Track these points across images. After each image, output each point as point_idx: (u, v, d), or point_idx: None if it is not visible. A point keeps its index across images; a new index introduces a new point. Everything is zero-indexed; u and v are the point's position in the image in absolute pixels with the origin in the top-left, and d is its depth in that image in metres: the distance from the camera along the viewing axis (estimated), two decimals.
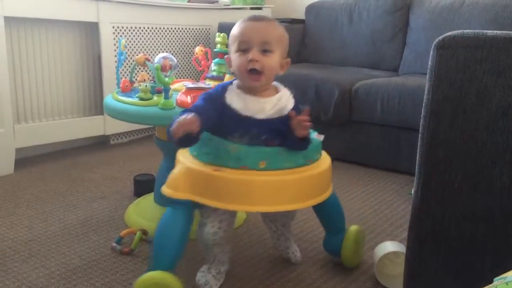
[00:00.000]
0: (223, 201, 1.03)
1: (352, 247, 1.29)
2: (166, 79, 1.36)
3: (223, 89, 1.10)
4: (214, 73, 1.74)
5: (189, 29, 2.83)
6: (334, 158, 2.24)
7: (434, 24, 2.53)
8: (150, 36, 2.63)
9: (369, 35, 2.74)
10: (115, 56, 2.42)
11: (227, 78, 1.69)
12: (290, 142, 1.06)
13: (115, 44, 2.42)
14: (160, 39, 2.69)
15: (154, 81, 1.56)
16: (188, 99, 1.38)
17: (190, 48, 2.84)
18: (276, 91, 1.12)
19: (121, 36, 2.45)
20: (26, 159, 2.19)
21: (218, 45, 1.78)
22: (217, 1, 3.01)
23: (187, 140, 0.99)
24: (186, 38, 2.83)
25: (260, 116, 1.07)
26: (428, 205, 0.86)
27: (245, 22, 1.08)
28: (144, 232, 1.45)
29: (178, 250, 1.09)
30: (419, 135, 0.86)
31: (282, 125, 1.07)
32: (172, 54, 1.56)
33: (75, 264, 1.31)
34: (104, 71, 2.41)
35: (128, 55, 2.48)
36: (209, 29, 2.94)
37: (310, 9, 3.02)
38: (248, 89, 1.09)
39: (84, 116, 2.44)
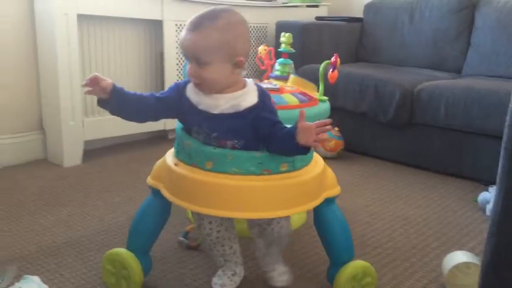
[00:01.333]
0: (176, 196, 1.06)
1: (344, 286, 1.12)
2: None
3: (186, 82, 1.11)
4: (278, 73, 1.76)
5: None
6: (393, 161, 2.23)
7: (501, 24, 2.43)
8: None
9: (431, 35, 2.67)
10: (177, 53, 2.49)
11: (291, 78, 1.70)
12: (283, 144, 0.99)
13: (177, 42, 2.48)
14: None
15: None
16: None
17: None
18: (242, 87, 1.08)
19: None
20: (90, 151, 2.28)
21: (283, 45, 1.79)
22: None
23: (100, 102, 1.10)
24: None
25: (214, 111, 1.05)
26: (509, 218, 0.83)
27: (183, 32, 1.05)
28: None
29: (149, 235, 1.19)
30: (502, 144, 0.83)
31: (238, 121, 1.04)
32: None
33: None
34: (166, 67, 2.47)
35: None
36: (266, 27, 2.95)
37: (369, 7, 2.97)
38: None
39: None
